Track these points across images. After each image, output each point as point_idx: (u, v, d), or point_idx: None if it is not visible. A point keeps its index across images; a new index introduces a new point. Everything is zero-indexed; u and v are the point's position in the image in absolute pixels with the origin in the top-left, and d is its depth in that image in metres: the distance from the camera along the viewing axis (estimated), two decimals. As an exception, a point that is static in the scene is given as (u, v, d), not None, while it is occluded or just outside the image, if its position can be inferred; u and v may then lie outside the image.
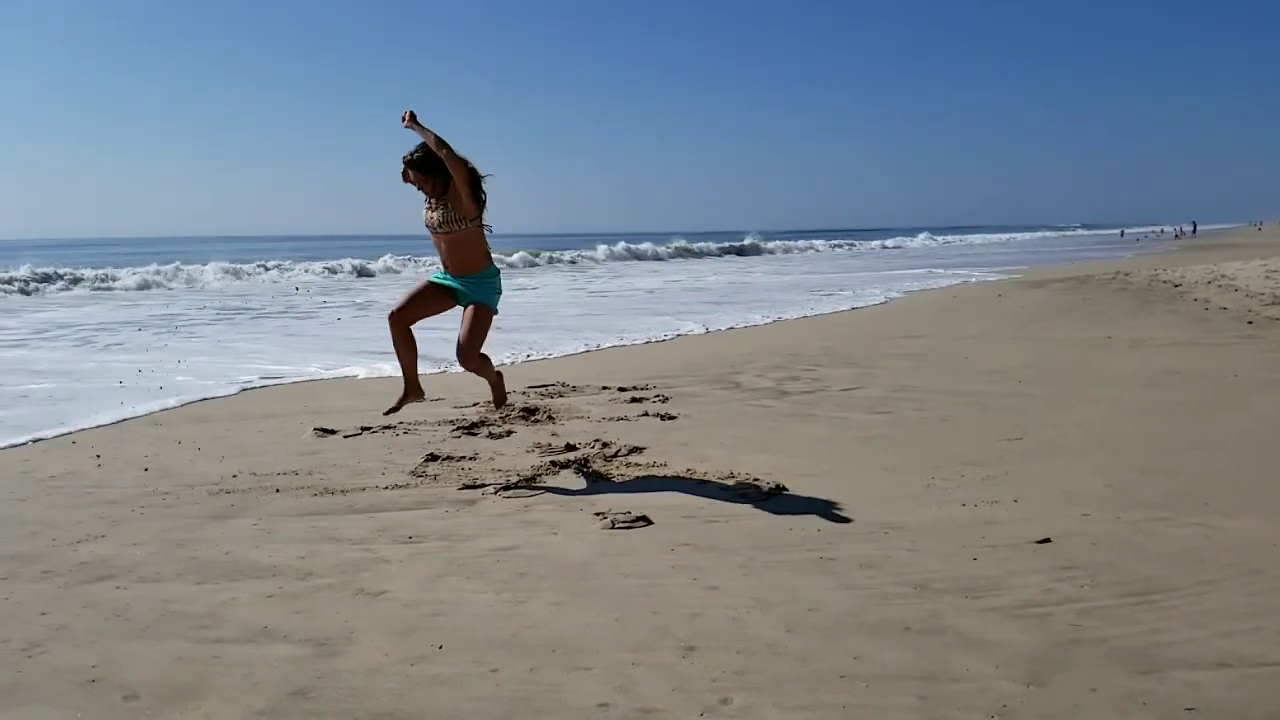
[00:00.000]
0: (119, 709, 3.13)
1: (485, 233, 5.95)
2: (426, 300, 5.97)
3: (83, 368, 11.71)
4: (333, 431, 7.40)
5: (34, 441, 7.24)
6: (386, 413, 6.24)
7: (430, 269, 6.14)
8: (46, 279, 28.97)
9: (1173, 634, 3.47)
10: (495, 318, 6.06)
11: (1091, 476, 5.61)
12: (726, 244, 61.05)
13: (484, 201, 5.87)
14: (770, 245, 64.21)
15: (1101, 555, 4.29)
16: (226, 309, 21.72)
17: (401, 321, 5.93)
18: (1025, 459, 6.09)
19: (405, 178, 5.95)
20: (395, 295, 5.94)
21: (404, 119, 5.70)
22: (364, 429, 7.44)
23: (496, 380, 6.26)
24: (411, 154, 5.77)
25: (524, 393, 9.06)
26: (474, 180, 5.82)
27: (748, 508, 5.19)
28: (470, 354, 5.94)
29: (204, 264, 35.10)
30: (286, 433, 7.48)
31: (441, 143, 5.63)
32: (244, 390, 9.69)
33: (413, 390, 6.00)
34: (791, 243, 69.89)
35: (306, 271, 35.76)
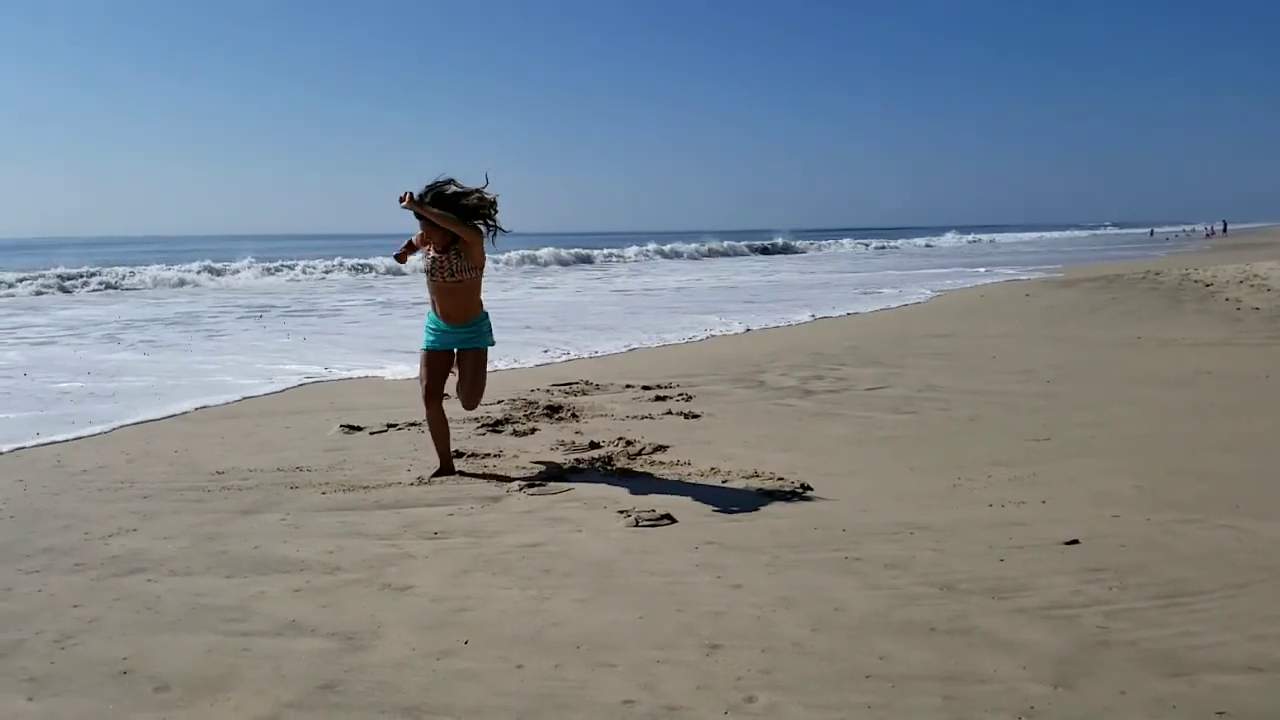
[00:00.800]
0: (150, 700, 3.16)
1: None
2: (444, 368, 6.07)
3: (111, 365, 11.84)
4: (359, 428, 7.45)
5: (69, 440, 7.32)
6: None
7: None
8: (78, 277, 29.26)
9: (1203, 637, 3.44)
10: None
11: (1120, 478, 5.57)
12: (756, 243, 60.93)
13: (496, 229, 5.91)
14: (801, 244, 64.08)
15: (1130, 557, 4.26)
16: (254, 306, 21.89)
17: (437, 398, 5.98)
18: (1053, 460, 6.05)
19: (400, 259, 6.10)
20: (418, 380, 6.01)
21: (402, 201, 5.67)
22: (389, 426, 7.48)
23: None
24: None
25: (548, 390, 9.09)
26: (488, 214, 5.85)
27: (772, 507, 5.19)
28: (478, 399, 6.18)
29: (233, 262, 35.35)
30: (313, 429, 7.53)
31: (446, 217, 5.67)
32: (285, 390, 9.76)
33: (449, 468, 6.06)
34: (824, 242, 69.66)
35: (340, 266, 35.86)
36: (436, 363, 6.01)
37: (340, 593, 4.08)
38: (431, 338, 6.00)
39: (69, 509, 5.41)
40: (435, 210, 5.64)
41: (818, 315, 17.41)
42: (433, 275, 5.87)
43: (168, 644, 3.60)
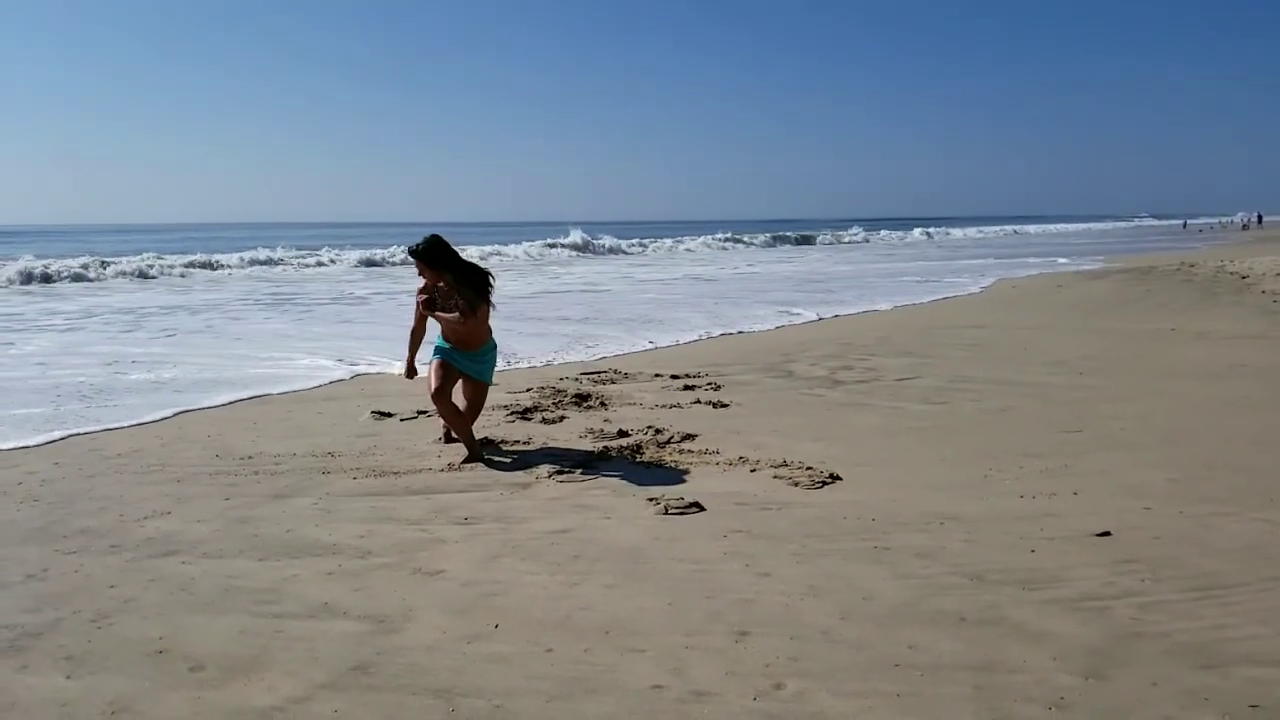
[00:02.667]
0: (185, 679, 3.20)
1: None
2: (453, 375, 6.27)
3: (142, 355, 11.96)
4: (390, 415, 7.50)
5: (102, 431, 7.39)
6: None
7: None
8: (109, 263, 29.40)
9: (1237, 630, 3.41)
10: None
11: (1153, 470, 5.52)
12: (799, 233, 60.58)
13: (490, 285, 6.28)
14: (837, 235, 63.62)
15: (1163, 549, 4.22)
16: (283, 295, 22.05)
17: (446, 395, 6.15)
18: (1085, 451, 6.01)
19: (430, 307, 6.30)
20: (428, 379, 6.11)
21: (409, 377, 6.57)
22: (420, 413, 7.52)
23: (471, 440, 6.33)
24: (417, 245, 6.17)
25: (577, 379, 9.11)
26: (488, 288, 6.23)
27: (801, 496, 5.18)
28: (474, 419, 6.36)
29: (262, 250, 35.51)
30: (345, 415, 7.59)
31: (464, 310, 6.10)
32: (320, 386, 9.84)
33: (476, 455, 6.12)
34: (866, 233, 69.15)
35: (382, 257, 35.89)
36: (444, 368, 6.22)
37: (372, 576, 4.11)
38: (440, 355, 6.28)
39: (104, 491, 5.48)
40: (448, 317, 6.17)
41: (898, 304, 17.40)
42: (445, 315, 6.20)
43: (202, 625, 3.64)
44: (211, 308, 18.40)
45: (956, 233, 76.83)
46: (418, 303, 6.29)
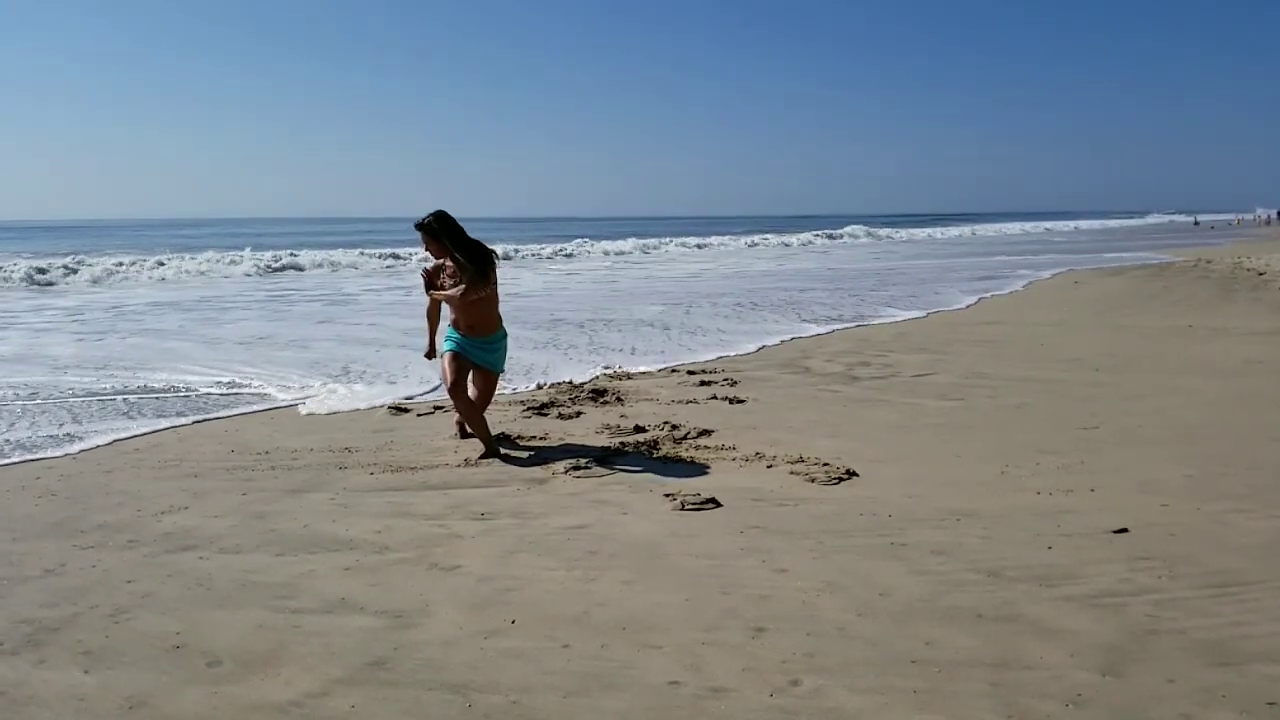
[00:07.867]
0: (202, 674, 3.22)
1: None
2: (465, 366, 6.28)
3: (152, 357, 12.01)
4: (406, 410, 7.52)
5: (121, 440, 7.39)
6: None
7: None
8: (123, 261, 29.27)
9: (1254, 627, 3.39)
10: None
11: (1170, 466, 5.50)
12: (832, 231, 60.28)
13: (493, 262, 6.24)
14: (892, 232, 63.06)
15: (1180, 546, 4.20)
16: (291, 291, 22.08)
17: (462, 388, 6.17)
18: (1102, 448, 5.98)
19: (431, 285, 6.35)
20: (443, 374, 6.11)
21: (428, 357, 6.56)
22: (436, 408, 7.54)
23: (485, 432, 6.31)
24: (423, 219, 6.16)
25: (593, 374, 9.11)
26: (489, 265, 6.19)
27: (817, 492, 5.17)
28: (484, 408, 6.36)
29: (266, 251, 35.34)
30: (361, 410, 7.61)
31: (466, 288, 6.09)
32: (336, 413, 9.85)
33: (492, 450, 6.12)
34: (890, 230, 68.73)
35: (392, 258, 35.76)
36: (458, 360, 6.23)
37: (389, 571, 4.13)
38: (452, 345, 6.28)
39: (122, 486, 5.51)
40: (448, 295, 6.16)
41: (983, 297, 17.39)
42: (450, 293, 6.17)
43: (219, 620, 3.66)
44: (207, 306, 18.40)
45: (990, 228, 76.30)
46: (424, 282, 6.32)
